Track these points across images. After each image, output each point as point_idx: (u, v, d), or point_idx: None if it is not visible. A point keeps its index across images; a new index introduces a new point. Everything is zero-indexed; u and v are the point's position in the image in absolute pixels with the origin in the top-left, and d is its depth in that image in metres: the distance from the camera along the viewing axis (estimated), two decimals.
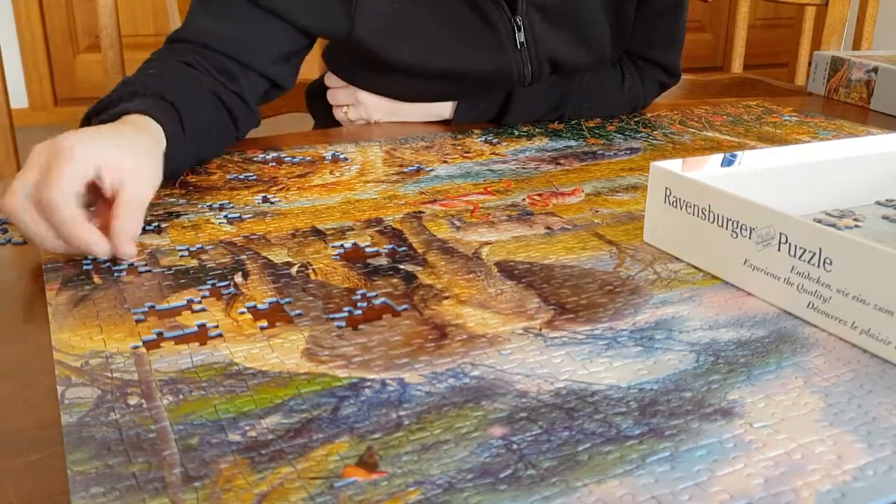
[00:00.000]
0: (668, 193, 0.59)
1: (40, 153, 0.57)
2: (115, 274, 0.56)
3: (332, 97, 1.00)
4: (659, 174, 0.59)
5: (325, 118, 1.05)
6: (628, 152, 0.86)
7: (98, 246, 0.56)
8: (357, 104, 0.98)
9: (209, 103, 0.78)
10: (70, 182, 0.55)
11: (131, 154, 0.60)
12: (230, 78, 0.81)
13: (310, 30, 0.87)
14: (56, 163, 0.55)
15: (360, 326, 0.49)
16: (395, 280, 0.55)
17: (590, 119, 0.99)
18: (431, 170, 0.79)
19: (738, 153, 0.64)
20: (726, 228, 0.54)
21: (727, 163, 0.64)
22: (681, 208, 0.58)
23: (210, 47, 0.81)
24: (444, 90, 0.96)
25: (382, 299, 0.52)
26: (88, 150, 0.57)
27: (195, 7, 0.84)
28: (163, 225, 0.64)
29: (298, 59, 0.89)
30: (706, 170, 0.63)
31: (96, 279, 0.55)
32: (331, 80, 1.00)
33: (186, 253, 0.59)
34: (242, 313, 0.50)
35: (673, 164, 0.61)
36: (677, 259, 0.59)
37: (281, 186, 0.74)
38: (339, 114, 1.00)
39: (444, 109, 0.98)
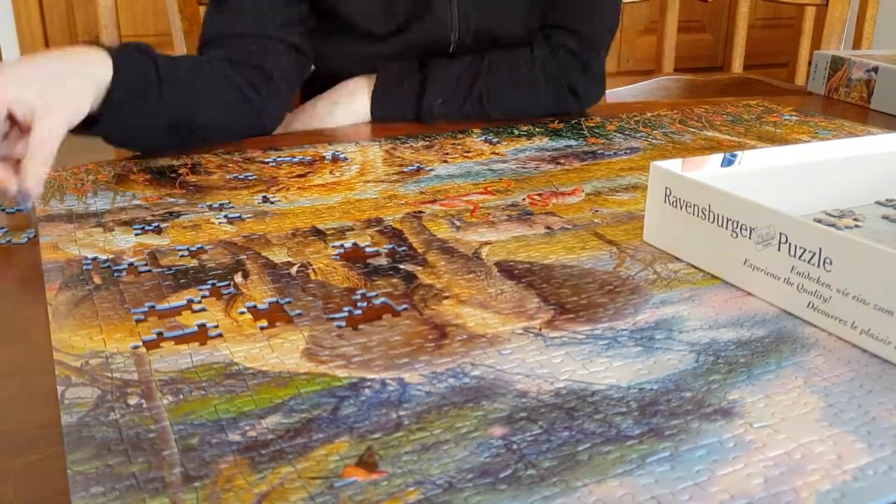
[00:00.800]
0: (668, 193, 0.59)
1: None
2: (115, 274, 0.56)
3: None
4: (659, 174, 0.59)
5: None
6: (628, 152, 0.86)
7: (6, 181, 0.60)
8: None
9: (200, 64, 0.85)
10: None
11: (50, 88, 0.63)
12: (249, 54, 0.87)
13: None
14: None
15: (360, 326, 0.49)
16: (395, 280, 0.55)
17: (518, 116, 0.97)
18: (431, 169, 0.79)
19: (738, 153, 0.64)
20: (726, 228, 0.54)
21: (727, 163, 0.64)
22: (681, 208, 0.58)
23: (224, 34, 0.88)
24: (384, 50, 0.97)
25: (382, 299, 0.52)
26: (3, 87, 0.60)
27: (207, 13, 0.91)
28: (163, 225, 0.64)
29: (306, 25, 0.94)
30: (706, 170, 0.63)
31: (96, 279, 0.55)
32: None
33: (186, 253, 0.59)
34: (242, 313, 0.50)
35: (673, 164, 0.61)
36: (677, 259, 0.59)
37: (281, 186, 0.74)
38: None
39: (364, 105, 0.97)
